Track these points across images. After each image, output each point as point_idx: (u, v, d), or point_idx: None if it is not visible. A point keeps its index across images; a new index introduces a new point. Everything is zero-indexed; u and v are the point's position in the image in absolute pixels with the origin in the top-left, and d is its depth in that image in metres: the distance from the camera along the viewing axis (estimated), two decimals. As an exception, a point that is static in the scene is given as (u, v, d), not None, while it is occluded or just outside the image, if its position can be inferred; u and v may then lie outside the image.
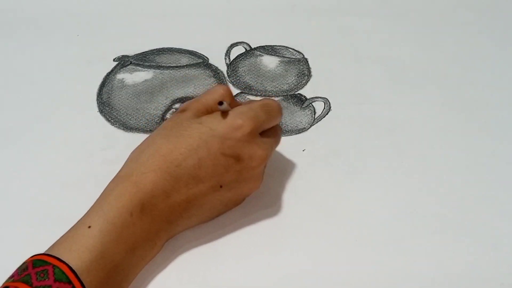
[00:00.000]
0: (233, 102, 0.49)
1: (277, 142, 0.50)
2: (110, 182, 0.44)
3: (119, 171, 0.45)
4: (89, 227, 0.41)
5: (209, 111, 0.47)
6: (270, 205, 0.51)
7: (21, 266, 0.40)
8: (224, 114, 0.46)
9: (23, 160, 0.54)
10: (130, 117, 0.58)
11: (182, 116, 0.47)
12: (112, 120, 0.58)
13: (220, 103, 0.45)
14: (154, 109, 0.59)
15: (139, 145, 0.47)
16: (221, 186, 0.46)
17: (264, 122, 0.47)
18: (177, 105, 0.59)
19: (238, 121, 0.45)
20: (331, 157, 0.55)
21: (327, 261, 0.47)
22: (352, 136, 0.57)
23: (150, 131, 0.57)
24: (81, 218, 0.42)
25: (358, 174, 0.53)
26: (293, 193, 0.52)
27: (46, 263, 0.39)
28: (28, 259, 0.40)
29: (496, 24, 0.69)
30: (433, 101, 0.60)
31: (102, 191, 0.44)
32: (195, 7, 0.70)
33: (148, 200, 0.43)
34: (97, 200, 0.43)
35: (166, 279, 0.46)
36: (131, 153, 0.46)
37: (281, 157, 0.55)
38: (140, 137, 0.56)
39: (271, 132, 0.49)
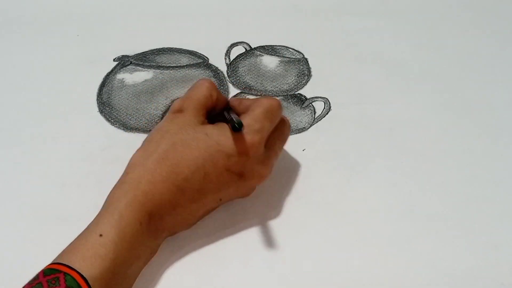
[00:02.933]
0: (219, 95, 0.50)
1: (283, 143, 0.51)
2: (118, 187, 0.44)
3: (125, 175, 0.45)
4: (101, 235, 0.41)
5: (203, 109, 0.47)
6: (270, 205, 0.51)
7: (32, 278, 0.40)
8: (233, 133, 0.45)
9: (23, 160, 0.54)
10: (130, 117, 0.58)
11: (183, 119, 0.46)
12: (112, 120, 0.58)
13: (237, 126, 0.43)
14: (154, 109, 0.59)
15: (142, 147, 0.46)
16: (220, 199, 0.47)
17: (268, 131, 0.47)
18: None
19: (247, 140, 0.45)
20: (331, 157, 0.55)
21: (327, 260, 0.47)
22: (352, 136, 0.57)
23: (150, 131, 0.57)
24: (90, 226, 0.42)
25: (358, 174, 0.53)
26: (293, 193, 0.52)
27: (57, 271, 0.39)
28: (39, 271, 0.40)
29: (496, 24, 0.69)
30: (433, 101, 0.60)
31: (108, 196, 0.44)
32: (195, 7, 0.70)
33: (156, 211, 0.43)
34: (105, 207, 0.43)
35: (166, 282, 0.46)
36: (134, 155, 0.46)
37: (281, 157, 0.55)
38: (141, 137, 0.56)
39: (277, 138, 0.49)
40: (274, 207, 0.51)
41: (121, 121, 0.58)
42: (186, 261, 0.47)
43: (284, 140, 0.50)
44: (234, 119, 0.44)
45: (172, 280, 0.46)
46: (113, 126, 0.57)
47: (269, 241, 0.49)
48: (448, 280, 0.46)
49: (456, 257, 0.48)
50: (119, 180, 0.45)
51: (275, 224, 0.50)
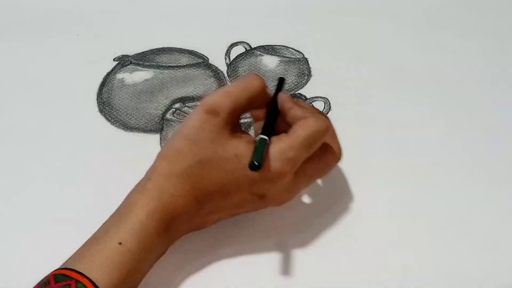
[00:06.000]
0: (265, 95, 0.45)
1: (322, 173, 0.47)
2: (140, 193, 0.42)
3: (148, 182, 0.43)
4: (120, 243, 0.40)
5: (239, 112, 0.44)
6: (270, 205, 0.51)
7: (42, 280, 0.39)
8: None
9: (23, 160, 0.54)
10: (130, 117, 0.58)
11: (215, 127, 0.42)
12: (112, 120, 0.58)
13: (253, 166, 0.40)
14: (154, 108, 0.59)
15: (168, 154, 0.43)
16: (237, 214, 0.47)
17: (303, 159, 0.43)
18: (177, 105, 0.59)
19: (276, 168, 0.42)
20: (331, 157, 0.55)
21: (327, 261, 0.47)
22: (352, 136, 0.56)
23: (151, 130, 0.57)
24: (109, 231, 0.41)
25: (358, 174, 0.53)
26: (293, 193, 0.52)
27: (68, 277, 0.38)
28: (50, 273, 0.39)
29: (496, 24, 0.69)
30: (433, 101, 0.60)
31: (128, 198, 0.43)
32: (195, 7, 0.70)
33: (174, 223, 0.43)
34: (125, 212, 0.42)
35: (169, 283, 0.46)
36: (160, 160, 0.43)
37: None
38: (140, 137, 0.57)
39: (316, 164, 0.45)
40: (273, 207, 0.51)
41: (121, 120, 0.58)
42: (185, 260, 0.47)
43: (323, 172, 0.46)
44: (254, 158, 0.40)
45: (175, 281, 0.46)
46: (113, 126, 0.57)
47: (268, 241, 0.48)
48: (448, 280, 0.46)
49: (456, 257, 0.48)
50: (140, 185, 0.43)
51: (274, 224, 0.49)
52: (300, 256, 0.48)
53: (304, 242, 0.48)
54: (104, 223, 0.42)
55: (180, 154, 0.43)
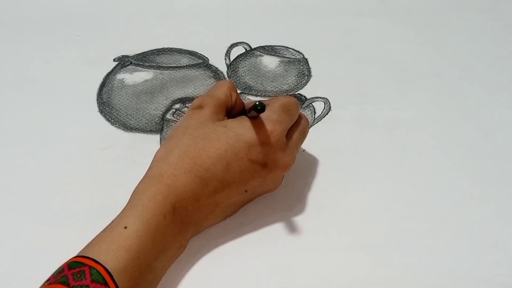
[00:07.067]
0: (238, 97, 0.50)
1: (303, 137, 0.51)
2: (141, 182, 0.44)
3: (148, 171, 0.45)
4: (125, 227, 0.41)
5: (222, 107, 0.48)
6: (270, 205, 0.51)
7: (56, 270, 0.40)
8: (253, 121, 0.46)
9: (23, 160, 0.54)
10: (130, 117, 0.58)
11: (203, 115, 0.47)
12: (112, 120, 0.58)
13: (258, 106, 0.43)
14: (154, 109, 0.59)
15: (165, 144, 0.47)
16: (246, 191, 0.47)
17: (288, 124, 0.48)
18: (177, 105, 0.59)
19: (266, 128, 0.45)
20: (331, 157, 0.55)
21: (327, 260, 0.47)
22: (352, 136, 0.57)
23: (150, 131, 0.57)
24: (116, 219, 0.42)
25: (358, 174, 0.53)
26: (293, 193, 0.52)
27: (82, 264, 0.39)
28: (64, 262, 0.40)
29: (496, 24, 0.69)
30: (433, 101, 0.60)
31: (133, 191, 0.44)
32: (195, 7, 0.70)
33: (180, 202, 0.43)
34: (129, 201, 0.43)
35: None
36: (157, 151, 0.46)
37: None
38: (140, 137, 0.57)
39: (296, 130, 0.49)
40: (274, 208, 0.51)
41: (121, 121, 0.58)
42: (188, 261, 0.47)
43: (303, 132, 0.51)
44: (256, 102, 0.44)
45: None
46: (113, 126, 0.57)
47: (268, 240, 0.49)
48: (448, 280, 0.46)
49: (456, 257, 0.48)
50: (143, 176, 0.45)
51: (274, 224, 0.50)
52: (299, 256, 0.48)
53: (303, 242, 0.48)
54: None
55: (174, 138, 0.46)
